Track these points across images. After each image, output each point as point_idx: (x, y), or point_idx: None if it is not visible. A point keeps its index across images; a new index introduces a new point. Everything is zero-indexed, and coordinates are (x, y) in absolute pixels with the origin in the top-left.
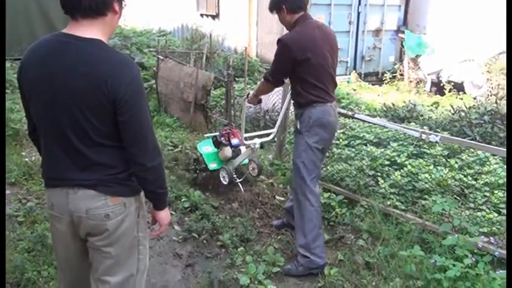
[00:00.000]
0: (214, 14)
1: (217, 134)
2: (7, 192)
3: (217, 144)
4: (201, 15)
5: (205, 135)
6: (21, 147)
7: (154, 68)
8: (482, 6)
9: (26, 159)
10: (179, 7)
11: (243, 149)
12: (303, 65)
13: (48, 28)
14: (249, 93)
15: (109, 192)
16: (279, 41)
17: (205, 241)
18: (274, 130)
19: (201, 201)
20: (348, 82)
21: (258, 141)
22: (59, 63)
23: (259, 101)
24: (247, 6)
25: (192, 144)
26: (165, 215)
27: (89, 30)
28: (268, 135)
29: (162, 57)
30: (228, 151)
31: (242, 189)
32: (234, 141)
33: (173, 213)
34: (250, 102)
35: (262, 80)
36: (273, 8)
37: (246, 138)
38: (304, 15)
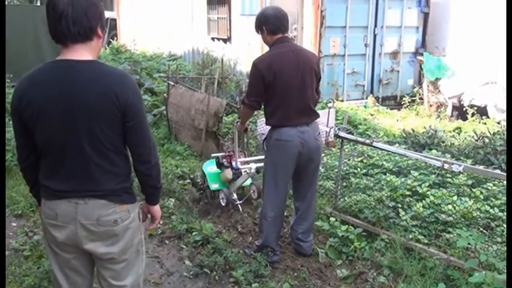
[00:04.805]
0: (226, 37)
1: (222, 154)
2: (13, 224)
3: (220, 165)
4: (212, 38)
5: (212, 154)
6: None
7: (165, 94)
8: (503, 26)
9: None
10: (190, 31)
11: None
12: (270, 85)
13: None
14: (238, 121)
15: (118, 201)
16: (252, 64)
17: (217, 277)
18: None
19: (212, 235)
20: (365, 107)
21: (253, 165)
22: (69, 83)
23: (245, 130)
24: None
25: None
26: (158, 208)
27: (81, 53)
28: (263, 160)
29: (172, 83)
30: (228, 173)
31: (241, 210)
32: (235, 163)
33: (184, 247)
34: (238, 130)
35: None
36: (256, 28)
37: (241, 163)
38: (283, 37)
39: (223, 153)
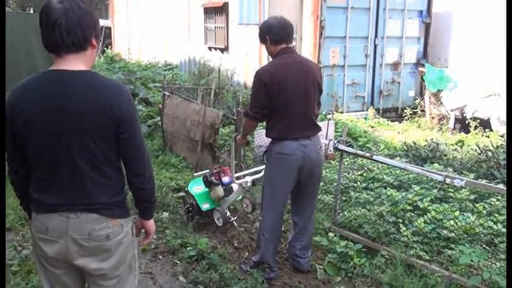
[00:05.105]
0: (223, 47)
1: (207, 171)
2: None
3: (208, 184)
4: (209, 48)
5: (194, 174)
6: None
7: (160, 105)
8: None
9: None
10: (186, 40)
11: (235, 186)
12: (272, 96)
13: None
14: (237, 135)
15: (110, 215)
16: (255, 74)
17: None
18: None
19: (208, 250)
20: (365, 119)
21: (249, 179)
22: (62, 94)
23: (247, 143)
24: (257, 39)
25: None
26: (153, 222)
27: (75, 63)
28: (260, 171)
29: (168, 93)
30: (220, 190)
31: (236, 226)
32: (225, 179)
33: (178, 262)
34: (239, 144)
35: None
36: (260, 38)
37: (237, 178)
38: (286, 47)
39: (208, 171)
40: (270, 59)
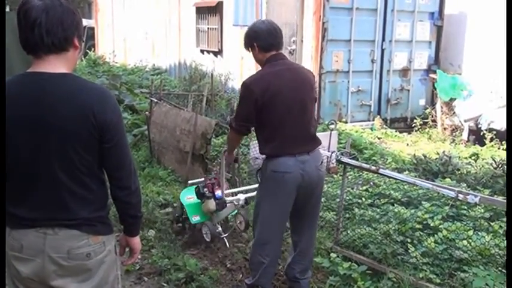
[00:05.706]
0: (217, 50)
1: (201, 180)
2: None
3: (200, 195)
4: (202, 51)
5: (189, 181)
6: None
7: (147, 112)
8: None
9: None
10: (176, 42)
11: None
12: (265, 109)
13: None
14: (226, 150)
15: (91, 232)
16: (242, 84)
17: None
18: None
19: (197, 271)
20: (372, 129)
21: (242, 196)
22: (41, 98)
23: (235, 160)
24: None
25: None
26: (138, 240)
27: (55, 66)
28: (254, 189)
29: (156, 100)
30: (211, 204)
31: (228, 245)
32: (218, 192)
33: (165, 285)
34: (226, 160)
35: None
36: (246, 45)
37: (228, 194)
38: (276, 54)
39: (203, 180)
40: None
